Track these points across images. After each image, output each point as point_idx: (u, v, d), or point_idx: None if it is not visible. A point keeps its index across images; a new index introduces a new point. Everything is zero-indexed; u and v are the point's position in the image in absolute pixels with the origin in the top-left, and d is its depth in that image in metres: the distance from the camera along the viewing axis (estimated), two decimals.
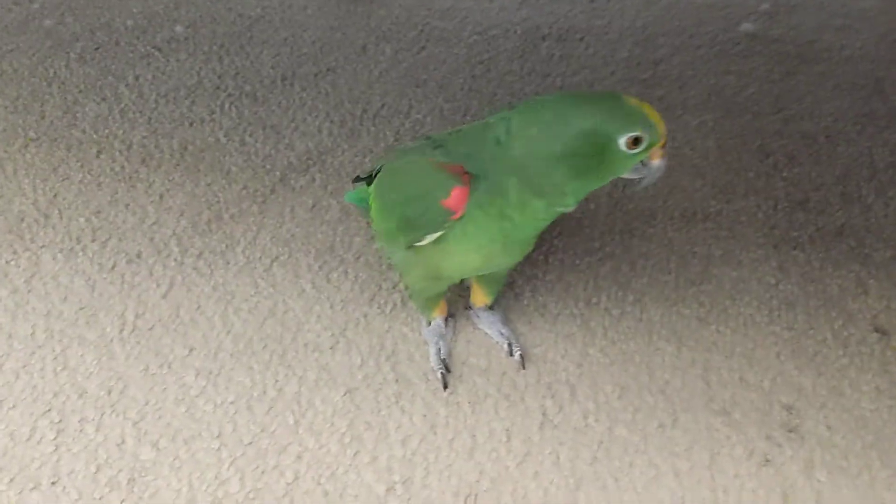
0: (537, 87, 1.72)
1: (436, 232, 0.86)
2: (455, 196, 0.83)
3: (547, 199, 0.82)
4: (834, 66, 1.82)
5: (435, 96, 1.68)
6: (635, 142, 0.78)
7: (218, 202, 1.35)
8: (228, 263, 1.23)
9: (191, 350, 1.10)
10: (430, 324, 1.07)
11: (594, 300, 1.21)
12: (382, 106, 1.64)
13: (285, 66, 1.75)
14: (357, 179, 1.10)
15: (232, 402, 1.03)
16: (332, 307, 1.17)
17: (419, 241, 0.88)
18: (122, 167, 1.43)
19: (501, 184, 0.82)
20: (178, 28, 1.88)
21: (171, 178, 1.41)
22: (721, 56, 1.84)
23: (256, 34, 1.88)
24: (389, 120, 1.60)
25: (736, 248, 1.30)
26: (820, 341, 1.15)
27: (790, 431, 1.03)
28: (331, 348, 1.11)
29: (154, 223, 1.31)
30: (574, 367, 1.10)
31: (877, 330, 1.18)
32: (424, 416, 1.03)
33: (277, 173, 1.43)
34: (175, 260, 1.23)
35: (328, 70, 1.75)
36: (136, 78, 1.69)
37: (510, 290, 1.21)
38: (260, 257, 1.25)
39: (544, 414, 1.04)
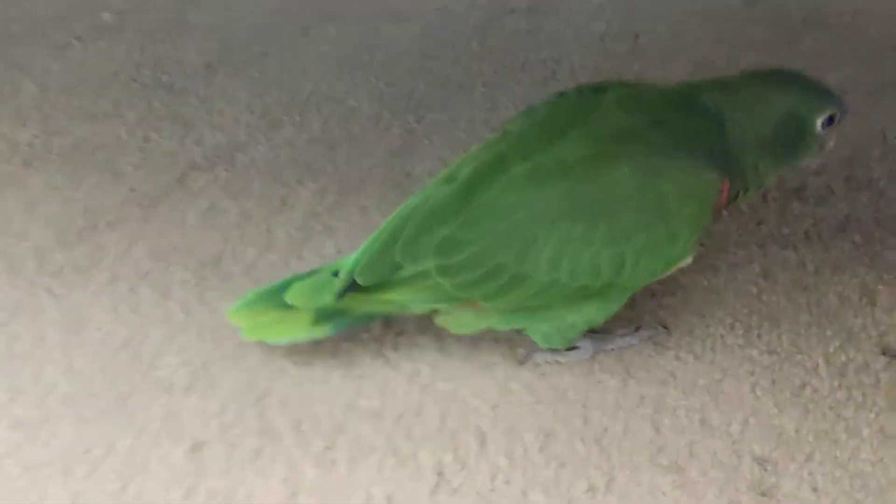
0: (496, 66, 1.45)
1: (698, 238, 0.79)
2: (724, 190, 0.76)
3: (751, 187, 0.80)
4: (845, 31, 1.52)
5: (376, 80, 1.42)
6: (829, 121, 0.78)
7: (97, 208, 1.11)
8: (88, 282, 0.99)
9: (15, 394, 0.86)
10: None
11: None
12: (313, 93, 1.39)
13: (213, 53, 1.50)
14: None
15: (47, 464, 0.79)
16: (199, 335, 0.92)
17: (682, 259, 0.79)
18: (1, 170, 1.20)
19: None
20: (106, 15, 1.65)
21: (51, 181, 1.17)
22: (713, 25, 1.56)
23: (191, 19, 1.64)
24: (319, 108, 1.35)
25: (712, 249, 1.02)
26: (809, 369, 0.88)
27: (763, 495, 0.76)
28: (186, 389, 0.86)
29: (16, 235, 1.07)
30: (489, 408, 0.84)
31: (884, 352, 0.89)
32: (286, 479, 0.77)
33: (177, 173, 1.19)
34: (26, 279, 0.99)
35: (261, 55, 1.50)
36: (45, 71, 1.46)
37: None
38: (128, 274, 1.00)
39: (440, 474, 0.78)
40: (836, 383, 0.86)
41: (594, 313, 0.82)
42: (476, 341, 0.90)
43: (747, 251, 1.02)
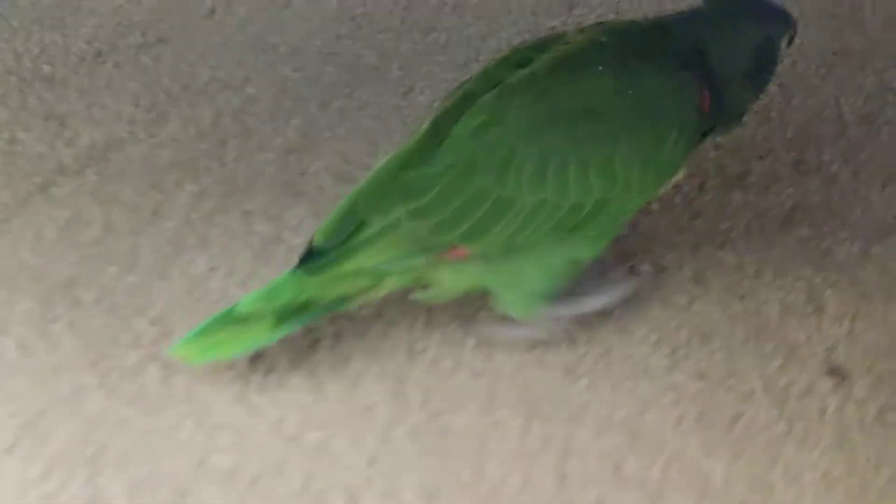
0: (415, 46, 1.29)
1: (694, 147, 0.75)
2: (704, 94, 0.73)
3: (731, 119, 0.79)
4: None
5: (282, 65, 1.26)
6: (790, 42, 0.79)
7: None
8: None
9: None
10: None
11: (419, 346, 0.79)
12: (210, 82, 1.22)
13: (105, 40, 1.33)
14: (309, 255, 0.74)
15: None
16: (31, 380, 0.77)
17: (673, 170, 0.75)
18: None
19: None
20: None
21: None
22: None
23: (86, 3, 1.46)
24: (213, 97, 1.18)
25: (637, 251, 0.87)
26: (744, 395, 0.73)
27: None
28: (7, 449, 0.71)
29: None
30: (365, 462, 0.70)
31: (832, 372, 0.75)
32: None
33: (39, 179, 1.03)
34: None
35: (158, 40, 1.33)
36: None
37: (289, 340, 0.79)
38: None
39: None
40: (774, 413, 0.72)
41: (584, 248, 0.74)
42: (357, 376, 0.75)
43: (678, 253, 0.87)
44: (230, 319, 0.72)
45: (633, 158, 0.70)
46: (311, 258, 0.71)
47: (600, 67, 0.71)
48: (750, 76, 0.77)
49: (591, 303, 0.79)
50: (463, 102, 0.72)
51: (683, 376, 0.75)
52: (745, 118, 0.82)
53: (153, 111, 1.16)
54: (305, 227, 0.94)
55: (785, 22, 0.79)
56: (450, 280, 0.73)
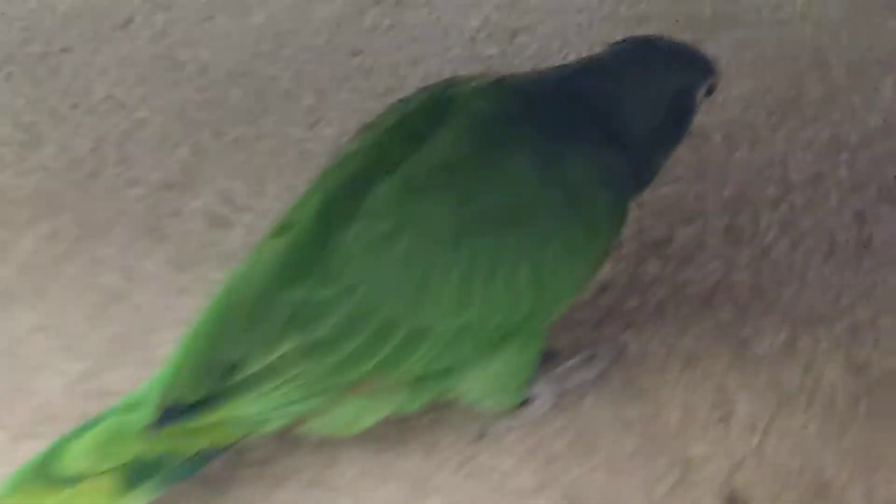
0: (336, 70, 1.16)
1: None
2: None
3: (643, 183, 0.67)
4: (761, 31, 1.23)
5: (186, 84, 1.13)
6: (709, 92, 0.68)
7: None
8: None
9: None
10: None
11: None
12: (104, 99, 1.10)
13: (6, 47, 1.21)
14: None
15: None
16: None
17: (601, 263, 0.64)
18: None
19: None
20: None
21: None
22: (607, 23, 1.26)
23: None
24: (101, 119, 1.06)
25: None
26: None
27: None
28: None
29: None
30: None
31: (731, 499, 0.62)
32: None
33: None
34: None
35: (61, 50, 1.21)
36: None
37: None
38: None
39: None
40: None
41: (517, 354, 0.62)
42: None
43: (573, 334, 0.74)
44: (56, 476, 0.55)
45: (566, 261, 0.59)
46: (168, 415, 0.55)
47: (519, 154, 0.59)
48: (663, 134, 0.67)
49: (577, 377, 0.69)
50: (352, 189, 0.58)
51: (551, 501, 0.61)
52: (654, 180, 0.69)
53: (31, 132, 1.03)
54: (158, 280, 0.81)
55: (703, 70, 0.68)
56: (363, 412, 0.60)
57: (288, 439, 0.64)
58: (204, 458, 0.57)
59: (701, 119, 0.99)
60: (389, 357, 0.56)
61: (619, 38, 1.22)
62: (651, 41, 0.70)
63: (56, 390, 0.71)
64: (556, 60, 1.15)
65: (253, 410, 0.56)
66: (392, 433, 0.65)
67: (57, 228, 0.87)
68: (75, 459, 0.55)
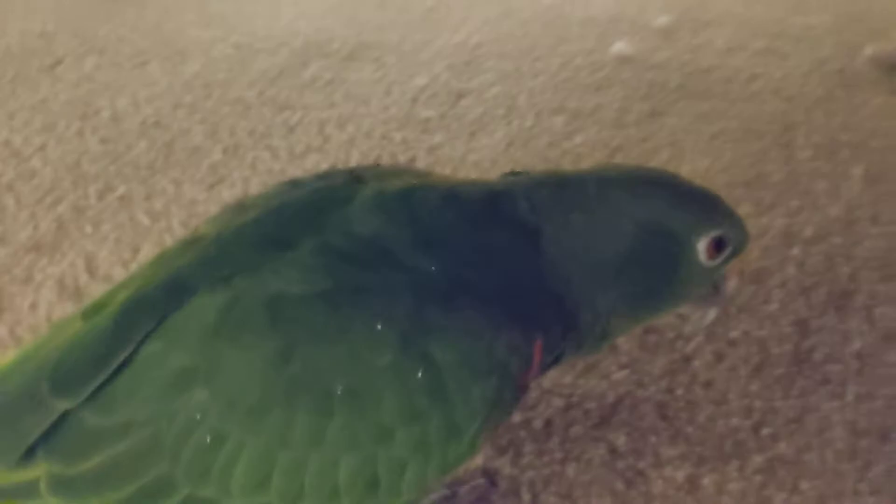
0: (257, 126, 1.06)
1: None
2: (535, 354, 0.46)
3: (586, 344, 0.50)
4: (727, 105, 1.12)
5: (92, 133, 1.04)
6: (717, 247, 0.48)
7: None
8: None
9: None
10: None
11: None
12: (3, 144, 1.00)
13: None
14: None
15: None
16: None
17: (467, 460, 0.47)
18: None
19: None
20: None
21: None
22: (567, 86, 1.16)
23: None
24: None
25: None
26: None
27: None
28: None
29: None
30: None
31: None
32: None
33: None
34: None
35: None
36: None
37: None
38: None
39: None
40: None
41: None
42: None
43: None
44: None
45: (414, 461, 0.45)
46: None
47: (381, 312, 0.44)
48: (622, 284, 0.49)
49: None
50: (172, 290, 0.46)
51: None
52: (612, 337, 0.53)
53: None
54: None
55: (706, 211, 0.49)
56: None
57: None
58: None
59: None
60: None
61: (571, 105, 1.13)
62: (642, 169, 0.53)
63: None
64: (499, 127, 1.05)
65: None
66: None
67: None
68: None
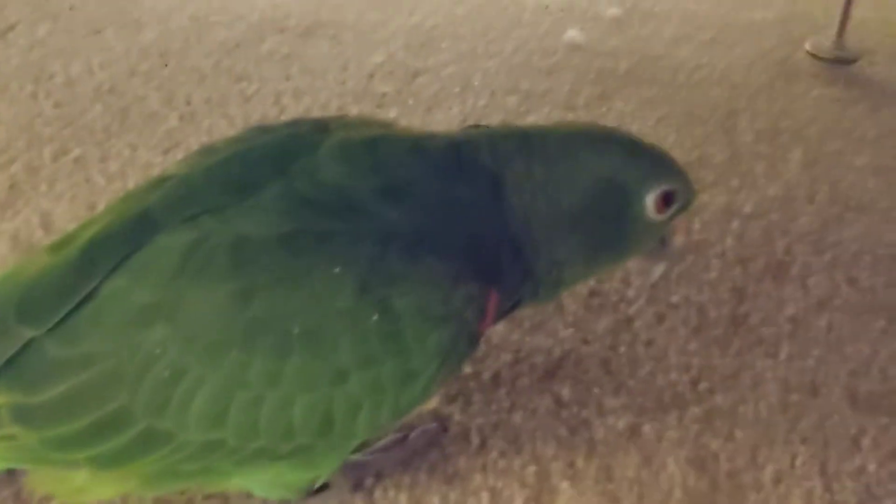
0: (213, 95, 1.06)
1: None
2: (490, 304, 0.49)
3: (543, 294, 0.52)
4: (673, 91, 1.15)
5: (46, 98, 1.03)
6: (666, 201, 0.50)
7: None
8: None
9: None
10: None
11: None
12: None
13: None
14: None
15: None
16: None
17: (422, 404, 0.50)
18: None
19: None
20: None
21: None
22: (519, 70, 1.18)
23: None
24: None
25: None
26: None
27: None
28: None
29: None
30: None
31: None
32: None
33: None
34: None
35: None
36: None
37: None
38: None
39: None
40: None
41: (292, 475, 0.51)
42: None
43: None
44: None
45: (364, 399, 0.46)
46: None
47: (342, 256, 0.45)
48: (576, 235, 0.51)
49: (384, 461, 0.58)
50: (136, 227, 0.47)
51: None
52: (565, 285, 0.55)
53: None
54: None
55: (656, 167, 0.52)
56: (89, 485, 0.49)
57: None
58: None
59: None
60: (119, 450, 0.46)
61: (524, 87, 1.16)
62: (600, 127, 0.56)
63: None
64: (454, 104, 1.07)
65: None
66: None
67: None
68: None
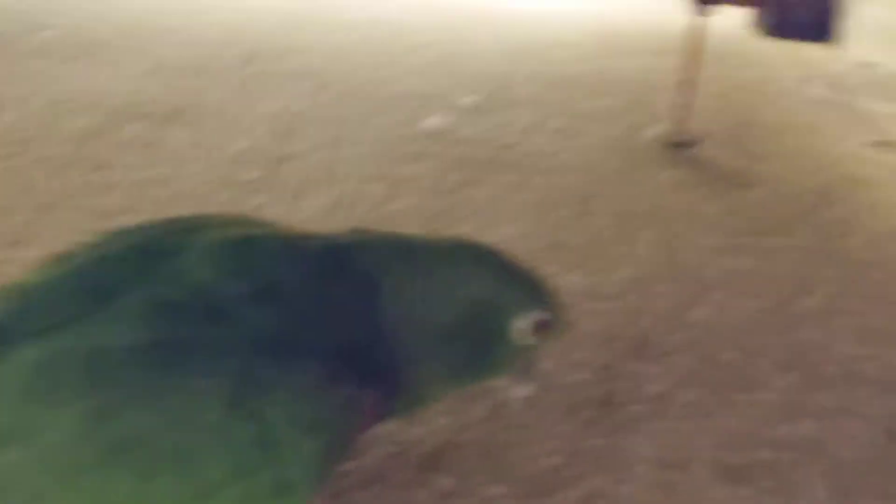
0: (68, 183, 1.01)
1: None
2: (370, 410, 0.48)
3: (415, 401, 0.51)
4: (532, 177, 1.20)
5: None
6: (536, 326, 0.52)
7: None
8: None
9: None
10: None
11: None
12: None
13: None
14: None
15: None
16: None
17: None
18: None
19: None
20: None
21: None
22: (384, 157, 1.19)
23: None
24: None
25: None
26: None
27: None
28: None
29: None
30: None
31: None
32: None
33: None
34: None
35: None
36: None
37: None
38: None
39: None
40: None
41: None
42: None
43: None
44: None
45: None
46: None
47: (203, 381, 0.43)
48: (446, 350, 0.51)
49: None
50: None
51: None
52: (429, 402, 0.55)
53: None
54: None
55: (529, 293, 0.53)
56: None
57: None
58: None
59: None
60: None
61: (390, 174, 1.17)
62: (479, 245, 0.55)
63: None
64: (322, 191, 1.07)
65: None
66: None
67: None
68: None
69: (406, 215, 1.03)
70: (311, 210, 1.01)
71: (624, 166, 1.25)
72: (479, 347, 0.52)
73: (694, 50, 1.33)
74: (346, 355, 0.47)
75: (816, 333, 0.88)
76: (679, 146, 1.35)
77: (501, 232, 1.02)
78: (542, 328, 0.53)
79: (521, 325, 0.52)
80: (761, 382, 0.80)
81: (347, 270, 0.50)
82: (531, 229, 1.03)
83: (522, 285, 0.53)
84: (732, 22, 2.58)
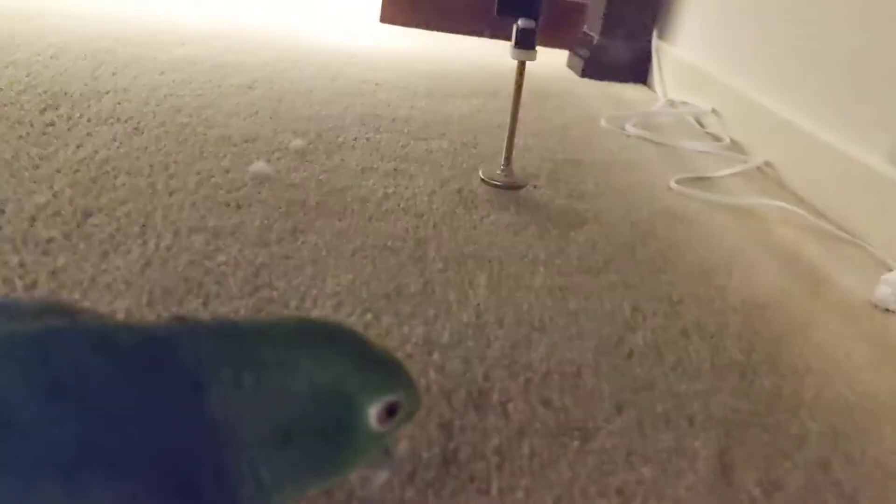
0: None
1: None
2: None
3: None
4: (364, 221, 1.15)
5: None
6: (389, 411, 0.46)
7: None
8: None
9: None
10: None
11: None
12: None
13: None
14: None
15: None
16: None
17: None
18: None
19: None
20: None
21: None
22: (205, 205, 1.11)
23: None
24: None
25: None
26: None
27: None
28: None
29: None
30: None
31: None
32: None
33: None
34: None
35: None
36: None
37: None
38: None
39: None
40: None
41: None
42: None
43: None
44: None
45: None
46: None
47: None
48: (287, 445, 0.44)
49: None
50: None
51: None
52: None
53: None
54: None
55: (383, 375, 0.48)
56: None
57: None
58: None
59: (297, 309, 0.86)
60: None
61: (211, 224, 1.10)
62: (323, 324, 0.51)
63: None
64: (133, 247, 0.97)
65: None
66: None
67: None
68: None
69: (230, 268, 0.95)
70: (120, 269, 0.92)
71: (456, 208, 1.23)
72: (328, 443, 0.46)
73: (516, 92, 1.34)
74: (161, 470, 0.40)
75: (644, 371, 0.89)
76: (507, 187, 1.35)
77: (336, 282, 0.97)
78: (396, 411, 0.47)
79: (375, 411, 0.47)
80: (597, 427, 0.78)
81: (166, 368, 0.43)
82: (367, 277, 0.99)
83: (372, 368, 0.48)
84: (553, 63, 2.67)
